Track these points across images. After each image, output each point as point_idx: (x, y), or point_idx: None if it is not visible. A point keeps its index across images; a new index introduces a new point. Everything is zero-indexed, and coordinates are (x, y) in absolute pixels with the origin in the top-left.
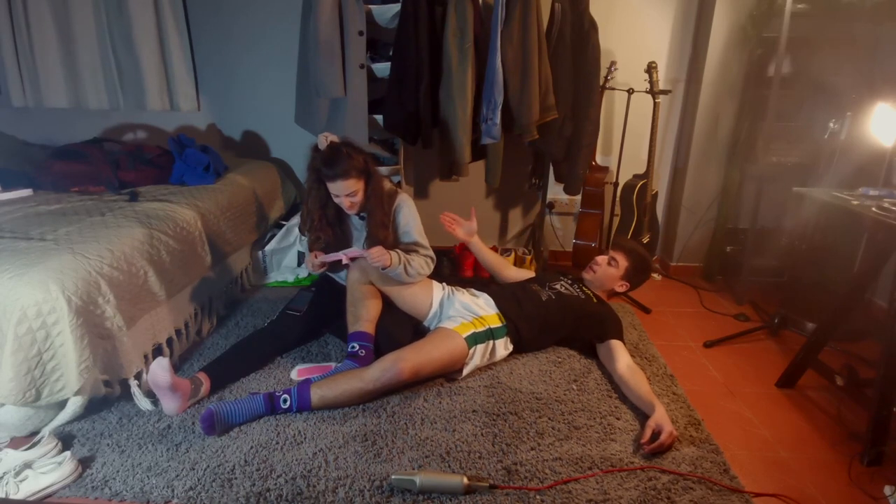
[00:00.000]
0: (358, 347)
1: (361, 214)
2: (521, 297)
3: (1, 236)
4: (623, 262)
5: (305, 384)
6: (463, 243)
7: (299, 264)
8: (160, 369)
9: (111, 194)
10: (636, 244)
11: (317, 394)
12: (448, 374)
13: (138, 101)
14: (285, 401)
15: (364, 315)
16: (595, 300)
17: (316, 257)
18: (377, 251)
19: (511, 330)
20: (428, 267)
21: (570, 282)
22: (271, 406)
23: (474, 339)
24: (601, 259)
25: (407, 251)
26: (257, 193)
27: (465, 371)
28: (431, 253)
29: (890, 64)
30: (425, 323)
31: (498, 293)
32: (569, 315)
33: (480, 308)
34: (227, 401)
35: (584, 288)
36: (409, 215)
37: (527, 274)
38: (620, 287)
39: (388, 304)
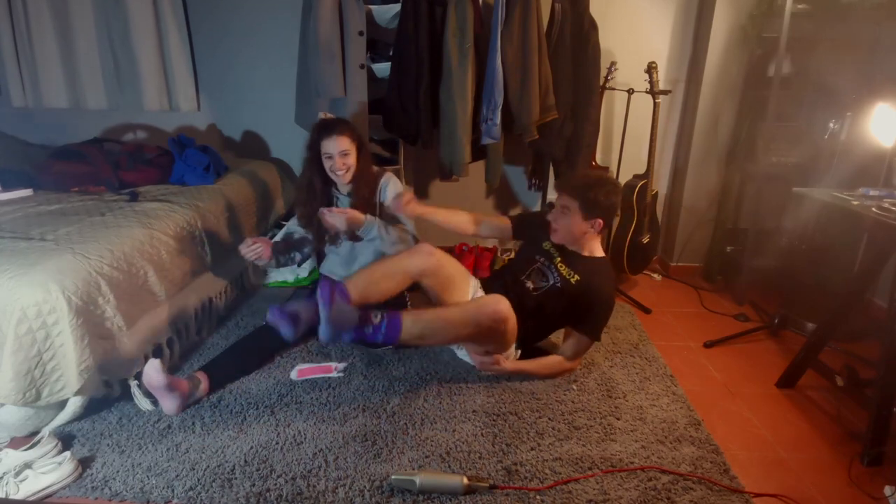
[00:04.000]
0: (338, 299)
1: (349, 192)
2: (517, 303)
3: (1, 236)
4: (573, 202)
5: (395, 315)
6: (461, 245)
7: (299, 264)
8: (153, 371)
9: (111, 194)
10: (580, 174)
11: (409, 317)
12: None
13: (136, 100)
14: (377, 315)
15: (371, 293)
16: (573, 280)
17: (254, 243)
18: (339, 218)
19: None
20: (406, 240)
21: (552, 263)
22: (361, 329)
23: None
24: (553, 216)
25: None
26: (257, 193)
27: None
28: (412, 231)
29: (890, 64)
30: None
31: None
32: (556, 307)
33: None
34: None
35: (560, 267)
36: (395, 193)
37: (499, 222)
38: (595, 227)
39: None
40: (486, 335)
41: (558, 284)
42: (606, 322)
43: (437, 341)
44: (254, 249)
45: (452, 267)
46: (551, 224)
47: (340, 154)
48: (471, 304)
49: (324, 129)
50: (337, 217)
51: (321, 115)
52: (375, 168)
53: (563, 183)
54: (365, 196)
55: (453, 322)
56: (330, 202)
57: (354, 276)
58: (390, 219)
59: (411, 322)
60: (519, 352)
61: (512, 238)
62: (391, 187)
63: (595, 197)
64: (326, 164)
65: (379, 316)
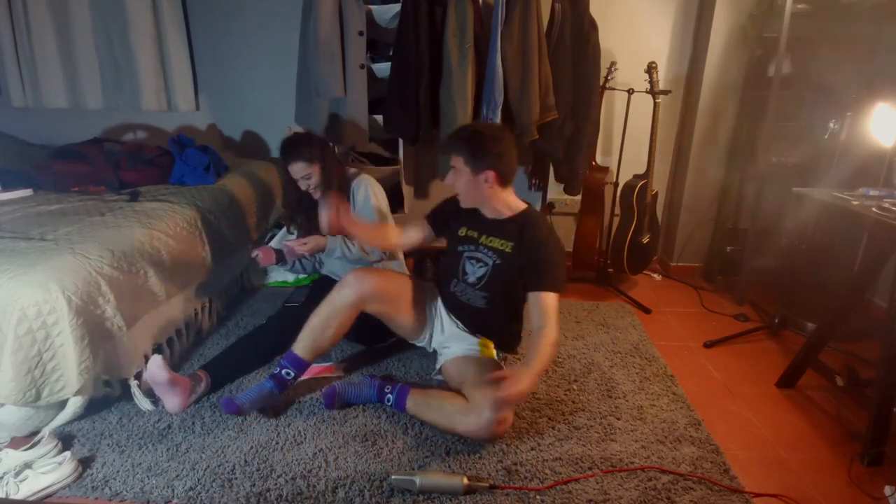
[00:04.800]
0: (293, 376)
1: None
2: (483, 321)
3: (1, 236)
4: (457, 159)
5: (403, 394)
6: None
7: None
8: (156, 367)
9: (111, 194)
10: (458, 130)
11: (411, 406)
12: None
13: (134, 101)
14: (389, 399)
15: (323, 346)
16: (508, 248)
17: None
18: (300, 247)
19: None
20: (371, 253)
21: (472, 250)
22: (380, 397)
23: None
24: (448, 179)
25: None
26: (257, 193)
27: None
28: (390, 222)
29: (890, 64)
30: (416, 342)
31: (465, 321)
32: (507, 292)
33: (478, 339)
34: (349, 382)
35: (488, 242)
36: (365, 195)
37: (418, 227)
38: (489, 181)
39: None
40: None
41: (497, 261)
42: (564, 268)
43: (434, 426)
44: (257, 257)
45: (398, 284)
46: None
47: (301, 179)
48: (463, 423)
49: (282, 154)
50: (300, 248)
51: (288, 129)
52: (352, 170)
53: (445, 140)
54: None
55: (445, 428)
56: (311, 205)
57: (303, 340)
58: (362, 211)
59: (413, 411)
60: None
61: (438, 236)
62: (360, 193)
63: (478, 147)
64: (297, 183)
65: (391, 399)
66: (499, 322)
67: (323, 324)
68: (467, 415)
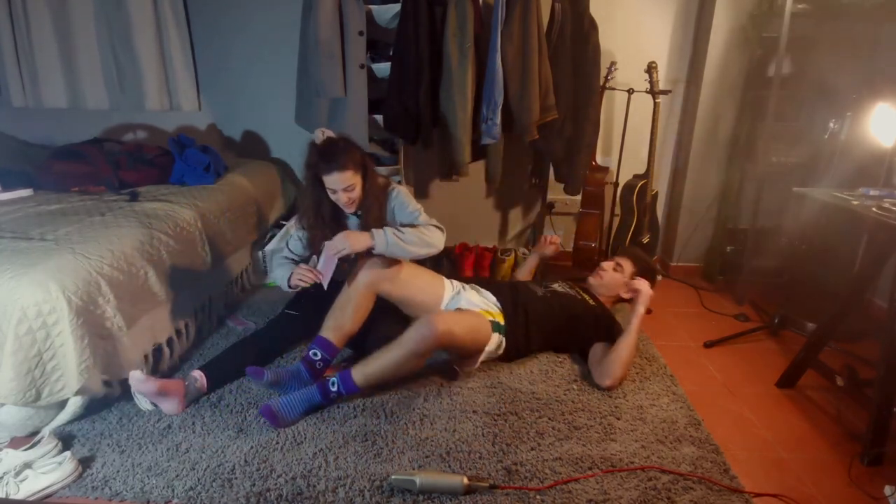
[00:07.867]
0: (319, 357)
1: (358, 213)
2: (519, 299)
3: (1, 236)
4: (629, 267)
5: (346, 371)
6: (462, 245)
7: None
8: (139, 382)
9: (111, 194)
10: (640, 251)
11: (358, 373)
12: (465, 358)
13: (138, 100)
14: (334, 384)
15: (346, 326)
16: (593, 302)
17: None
18: (339, 238)
19: (509, 331)
20: (436, 234)
21: (567, 284)
22: (326, 392)
23: (495, 327)
24: (607, 265)
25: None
26: (257, 193)
27: (480, 359)
28: (437, 223)
29: (890, 64)
30: None
31: (497, 291)
32: (563, 312)
33: (489, 306)
34: (281, 397)
35: (580, 290)
36: (405, 202)
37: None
38: (627, 294)
39: (383, 310)
40: (451, 351)
41: (577, 297)
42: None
43: (398, 377)
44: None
45: (410, 268)
46: (598, 270)
47: (345, 189)
48: (408, 336)
49: (322, 161)
50: (339, 242)
51: (319, 134)
52: (381, 179)
53: (631, 249)
54: (375, 215)
55: (399, 361)
56: (340, 222)
57: (326, 323)
58: (407, 217)
59: (362, 375)
60: (504, 345)
61: None
62: (402, 197)
63: (646, 272)
64: (331, 196)
65: (335, 384)
66: (540, 316)
67: (342, 304)
68: (416, 327)
